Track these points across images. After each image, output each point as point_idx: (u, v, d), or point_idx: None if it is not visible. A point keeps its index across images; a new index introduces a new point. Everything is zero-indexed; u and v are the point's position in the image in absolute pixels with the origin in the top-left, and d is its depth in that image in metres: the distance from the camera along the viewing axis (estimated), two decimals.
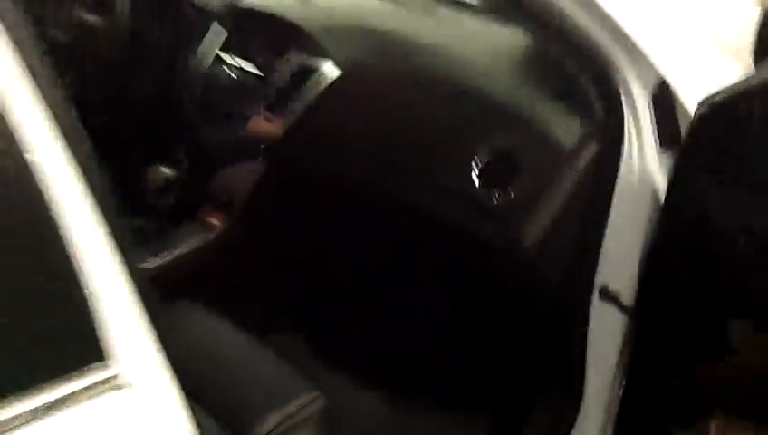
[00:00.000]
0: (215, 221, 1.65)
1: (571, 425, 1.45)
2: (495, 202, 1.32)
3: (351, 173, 1.53)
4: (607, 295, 1.34)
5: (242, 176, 1.64)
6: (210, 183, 1.65)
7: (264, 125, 1.60)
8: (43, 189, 0.61)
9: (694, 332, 1.22)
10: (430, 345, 1.63)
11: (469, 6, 1.62)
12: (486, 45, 1.53)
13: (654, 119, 1.24)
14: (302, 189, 1.62)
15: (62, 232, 0.62)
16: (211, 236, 1.62)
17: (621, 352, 1.36)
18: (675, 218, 1.22)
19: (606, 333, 1.37)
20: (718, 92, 1.13)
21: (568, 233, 1.32)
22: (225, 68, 1.64)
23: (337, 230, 1.63)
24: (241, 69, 1.63)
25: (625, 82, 1.21)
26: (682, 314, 1.23)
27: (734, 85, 1.12)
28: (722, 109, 1.11)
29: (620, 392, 1.34)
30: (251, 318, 1.25)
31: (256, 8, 1.70)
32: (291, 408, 1.05)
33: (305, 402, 1.07)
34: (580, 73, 1.29)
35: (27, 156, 0.60)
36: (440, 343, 1.62)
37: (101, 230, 0.64)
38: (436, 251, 1.53)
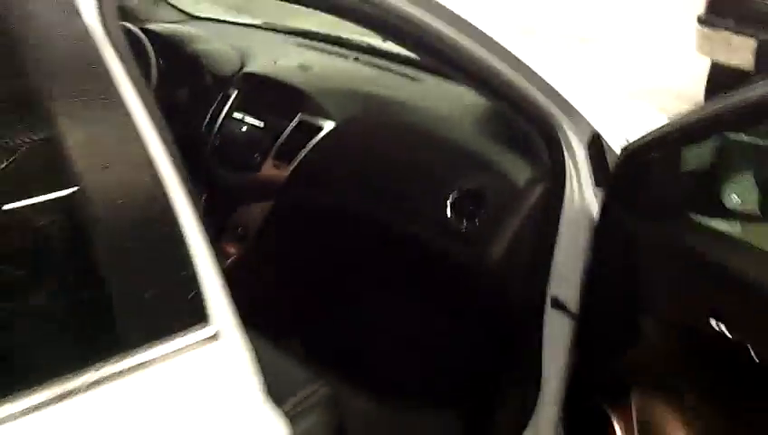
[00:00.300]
0: (231, 250, 1.95)
1: (529, 418, 1.74)
2: (465, 229, 1.65)
3: (346, 209, 1.84)
4: (557, 304, 1.65)
5: (255, 212, 1.94)
6: (228, 218, 1.95)
7: (273, 171, 1.91)
8: (170, 200, 0.89)
9: (619, 327, 1.54)
10: (409, 349, 1.89)
11: (439, 73, 1.96)
12: (455, 105, 1.86)
13: (589, 162, 1.56)
14: (305, 222, 1.92)
15: (180, 228, 0.88)
16: (228, 262, 1.92)
17: (569, 352, 1.67)
18: (605, 240, 1.54)
19: (557, 337, 1.68)
20: (635, 141, 1.47)
21: (524, 253, 1.64)
22: (239, 125, 1.96)
23: (334, 254, 1.92)
24: (253, 126, 1.94)
25: (564, 134, 1.54)
26: (612, 314, 1.55)
27: (646, 134, 1.46)
28: (634, 154, 1.44)
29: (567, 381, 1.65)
30: (262, 328, 1.52)
31: (264, 75, 2.02)
32: (300, 395, 1.16)
33: (312, 390, 1.19)
34: (530, 128, 1.60)
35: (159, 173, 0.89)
36: (419, 347, 1.88)
37: (199, 228, 0.93)
38: (416, 268, 1.82)
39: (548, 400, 1.70)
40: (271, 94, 1.96)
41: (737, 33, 5.12)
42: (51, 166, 0.81)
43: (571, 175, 1.55)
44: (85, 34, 0.84)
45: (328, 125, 1.87)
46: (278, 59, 2.08)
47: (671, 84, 7.00)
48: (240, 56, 2.08)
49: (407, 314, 1.85)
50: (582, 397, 1.63)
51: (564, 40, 8.79)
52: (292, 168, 1.87)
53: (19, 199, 0.80)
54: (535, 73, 1.44)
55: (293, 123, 1.90)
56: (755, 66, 5.04)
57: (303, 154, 1.86)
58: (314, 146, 1.86)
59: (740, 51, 5.12)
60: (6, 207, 0.80)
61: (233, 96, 1.98)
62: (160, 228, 0.86)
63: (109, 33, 0.85)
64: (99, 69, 0.83)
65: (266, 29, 2.23)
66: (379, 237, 1.80)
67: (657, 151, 1.45)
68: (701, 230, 1.42)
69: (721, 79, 5.63)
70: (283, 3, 1.29)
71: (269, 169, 1.90)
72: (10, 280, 0.79)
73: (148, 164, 0.86)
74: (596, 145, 1.54)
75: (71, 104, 0.80)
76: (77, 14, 0.84)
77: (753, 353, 1.24)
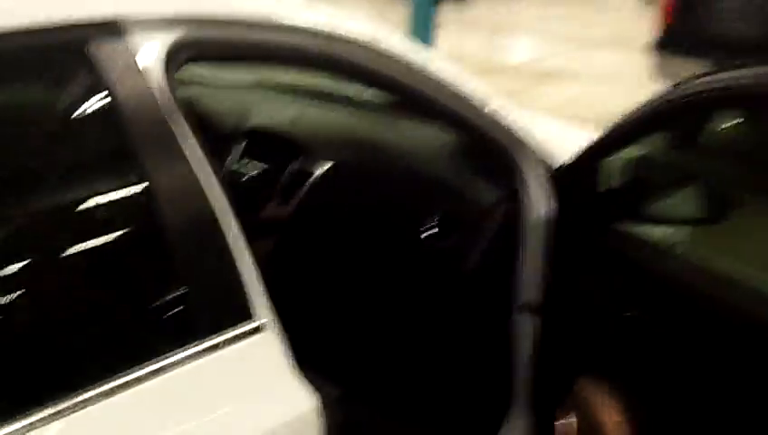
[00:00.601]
0: None
1: (505, 411, 1.98)
2: (445, 245, 1.95)
3: (341, 237, 2.13)
4: (523, 308, 1.93)
5: (262, 246, 2.22)
6: None
7: (276, 209, 2.21)
8: (218, 213, 1.16)
9: (570, 323, 1.83)
10: (399, 352, 2.11)
11: (414, 116, 2.26)
12: (429, 143, 2.16)
13: (539, 183, 1.85)
14: (306, 251, 2.20)
15: (225, 234, 1.15)
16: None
17: (534, 349, 1.93)
18: (556, 250, 1.83)
19: (524, 336, 1.93)
20: (565, 161, 1.78)
21: (494, 263, 1.93)
22: (245, 172, 2.25)
23: (332, 272, 2.18)
24: (256, 172, 2.24)
25: (520, 162, 1.84)
26: (564, 313, 1.84)
27: (572, 157, 1.76)
28: (564, 173, 1.76)
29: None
30: None
31: (263, 129, 2.33)
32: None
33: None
34: (493, 159, 1.89)
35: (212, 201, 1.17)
36: (407, 351, 2.10)
37: (241, 233, 1.19)
38: (404, 281, 2.08)
39: (519, 399, 1.97)
40: (269, 145, 2.26)
41: (689, 59, 5.48)
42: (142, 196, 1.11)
43: (527, 195, 1.83)
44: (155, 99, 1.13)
45: (319, 168, 2.17)
46: (273, 114, 2.39)
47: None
48: (241, 114, 2.39)
49: (396, 325, 2.11)
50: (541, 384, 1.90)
51: (532, 76, 9.21)
52: (292, 206, 2.17)
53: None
54: (496, 112, 1.74)
55: (291, 169, 2.20)
56: None
57: (300, 194, 2.16)
58: (309, 187, 2.16)
59: None
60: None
61: (236, 149, 2.28)
62: (216, 245, 1.15)
63: (174, 97, 1.15)
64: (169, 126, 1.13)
65: (261, 88, 2.54)
66: (369, 259, 2.09)
67: (579, 169, 1.77)
68: (624, 236, 1.71)
69: None
70: None
71: (273, 209, 2.19)
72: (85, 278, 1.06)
73: (205, 195, 1.15)
74: (545, 168, 1.84)
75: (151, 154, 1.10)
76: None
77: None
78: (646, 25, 6.21)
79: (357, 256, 2.10)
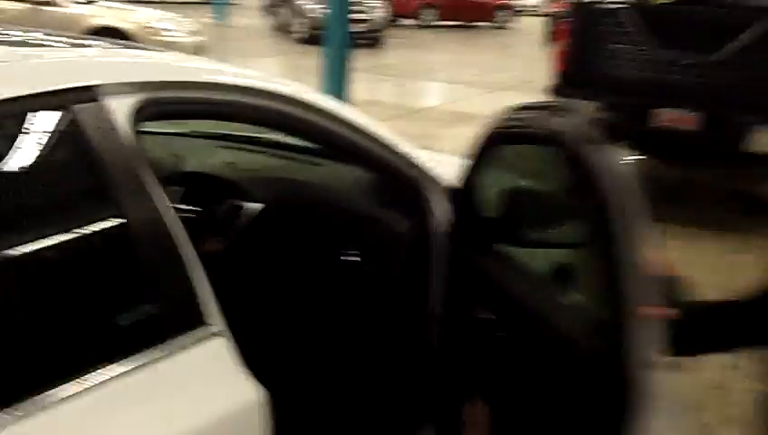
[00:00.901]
0: None
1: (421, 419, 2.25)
2: (366, 267, 2.25)
3: (273, 263, 2.41)
4: (431, 320, 2.24)
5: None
6: None
7: (212, 244, 2.47)
8: (176, 239, 1.43)
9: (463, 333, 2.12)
10: (327, 359, 2.36)
11: (332, 157, 2.57)
12: (348, 178, 2.48)
13: (444, 210, 2.18)
14: (242, 280, 2.47)
15: (184, 256, 1.42)
16: None
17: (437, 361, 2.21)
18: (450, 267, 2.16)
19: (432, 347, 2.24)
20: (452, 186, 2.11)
21: (409, 279, 2.24)
22: (184, 212, 2.51)
23: (267, 294, 2.44)
24: (193, 211, 2.50)
25: (427, 192, 2.17)
26: (459, 323, 2.14)
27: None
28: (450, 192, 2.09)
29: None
30: None
31: (200, 172, 2.61)
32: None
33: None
34: (403, 191, 2.22)
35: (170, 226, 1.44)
36: (333, 357, 2.36)
37: (195, 256, 1.47)
38: (330, 299, 2.36)
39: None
40: (206, 186, 2.53)
41: (583, 99, 5.97)
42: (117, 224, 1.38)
43: (434, 221, 2.16)
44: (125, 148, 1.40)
45: (252, 206, 2.45)
46: (207, 159, 2.67)
47: None
48: (177, 160, 2.66)
49: (323, 337, 2.38)
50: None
51: (443, 118, 9.67)
52: (227, 241, 2.43)
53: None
54: (405, 149, 2.07)
55: (226, 207, 2.48)
56: None
57: (235, 230, 2.44)
58: (243, 223, 2.44)
59: None
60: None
61: (175, 191, 2.54)
62: (177, 264, 1.42)
63: (139, 146, 1.42)
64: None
65: (194, 136, 2.81)
66: (297, 282, 2.37)
67: (462, 192, 2.10)
68: (489, 256, 2.01)
69: None
70: None
71: (208, 243, 2.45)
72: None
73: (165, 224, 1.42)
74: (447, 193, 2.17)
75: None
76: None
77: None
78: (548, 70, 6.73)
79: (286, 279, 2.38)
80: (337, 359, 2.37)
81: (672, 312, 1.54)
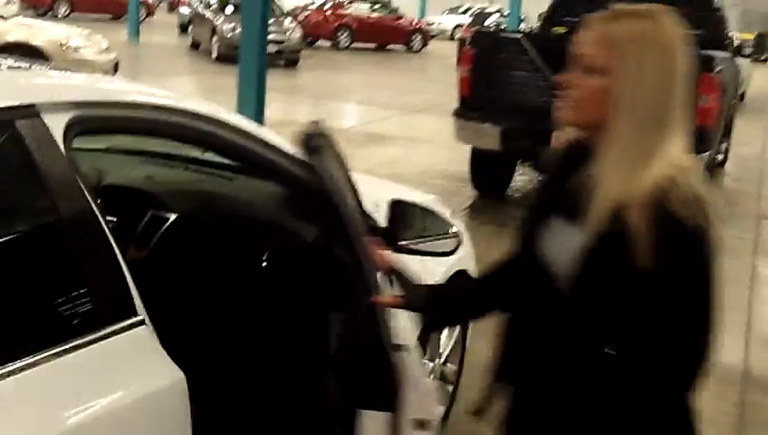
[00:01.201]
0: None
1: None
2: (275, 272, 2.48)
3: (188, 271, 2.61)
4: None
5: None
6: None
7: (134, 253, 2.65)
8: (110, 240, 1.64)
9: None
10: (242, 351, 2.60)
11: (247, 173, 2.80)
12: (261, 194, 2.71)
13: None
14: (161, 282, 2.66)
15: (117, 255, 1.63)
16: None
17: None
18: None
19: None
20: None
21: (316, 284, 2.48)
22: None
23: (186, 304, 2.65)
24: (116, 222, 2.68)
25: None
26: None
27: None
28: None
29: None
30: None
31: (122, 185, 2.79)
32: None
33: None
34: (312, 204, 2.46)
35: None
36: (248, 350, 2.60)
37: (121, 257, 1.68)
38: (242, 298, 2.56)
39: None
40: (128, 198, 2.72)
41: (483, 124, 6.36)
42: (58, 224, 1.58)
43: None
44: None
45: (173, 217, 2.66)
46: (129, 173, 2.86)
47: (446, 168, 8.27)
48: (98, 174, 2.83)
49: (239, 332, 2.60)
50: None
51: (358, 139, 9.98)
52: (150, 249, 2.63)
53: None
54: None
55: (146, 218, 2.67)
56: (501, 147, 6.29)
57: (156, 239, 2.63)
58: (163, 232, 2.64)
59: (487, 137, 6.35)
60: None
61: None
62: (111, 261, 1.63)
63: (72, 157, 1.63)
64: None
65: (115, 152, 2.99)
66: (211, 287, 2.58)
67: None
68: None
69: (479, 159, 6.91)
70: None
71: (132, 252, 2.64)
72: None
73: (101, 225, 1.63)
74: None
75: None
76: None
77: None
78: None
79: (201, 281, 2.59)
80: (244, 349, 2.58)
81: (400, 298, 1.83)
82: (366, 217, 2.32)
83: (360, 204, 2.21)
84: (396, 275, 1.87)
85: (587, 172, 1.51)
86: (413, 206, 2.22)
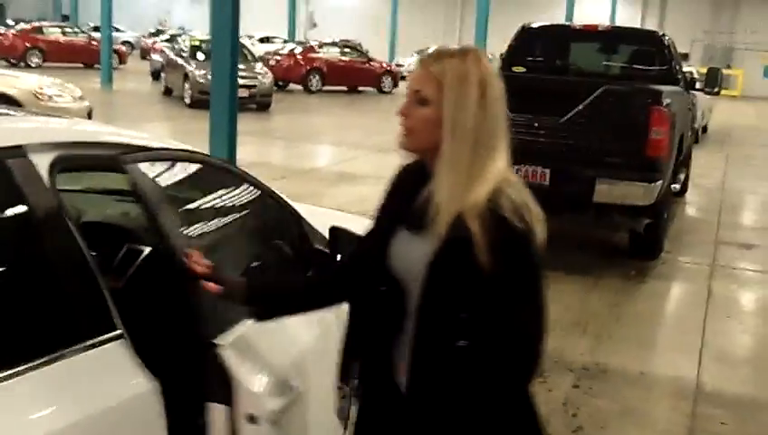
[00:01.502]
0: None
1: None
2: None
3: (159, 294, 2.79)
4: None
5: None
6: None
7: (113, 283, 2.83)
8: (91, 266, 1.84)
9: None
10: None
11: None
12: (252, 214, 2.91)
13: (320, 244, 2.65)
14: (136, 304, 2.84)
15: (99, 278, 1.84)
16: None
17: None
18: None
19: None
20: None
21: None
22: None
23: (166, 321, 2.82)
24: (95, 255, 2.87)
25: (308, 235, 2.63)
26: None
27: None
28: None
29: None
30: None
31: (100, 222, 2.98)
32: None
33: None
34: (283, 231, 2.68)
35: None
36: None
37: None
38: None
39: None
40: (107, 233, 2.91)
41: None
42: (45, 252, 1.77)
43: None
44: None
45: (148, 249, 2.85)
46: (105, 210, 3.05)
47: None
48: (78, 212, 3.03)
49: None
50: None
51: (328, 178, 10.23)
52: (129, 275, 2.81)
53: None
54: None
55: (123, 251, 2.86)
56: None
57: (133, 268, 2.82)
58: (139, 262, 2.83)
59: None
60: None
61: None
62: (93, 282, 1.82)
63: (56, 191, 1.83)
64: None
65: (91, 192, 3.19)
66: (179, 306, 2.76)
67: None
68: None
69: None
70: None
71: (111, 283, 2.81)
72: None
73: (83, 253, 1.83)
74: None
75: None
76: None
77: None
78: None
79: (171, 302, 2.77)
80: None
81: (218, 287, 1.97)
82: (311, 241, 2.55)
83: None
84: (212, 274, 2.01)
85: (427, 189, 1.75)
86: (350, 232, 2.45)
